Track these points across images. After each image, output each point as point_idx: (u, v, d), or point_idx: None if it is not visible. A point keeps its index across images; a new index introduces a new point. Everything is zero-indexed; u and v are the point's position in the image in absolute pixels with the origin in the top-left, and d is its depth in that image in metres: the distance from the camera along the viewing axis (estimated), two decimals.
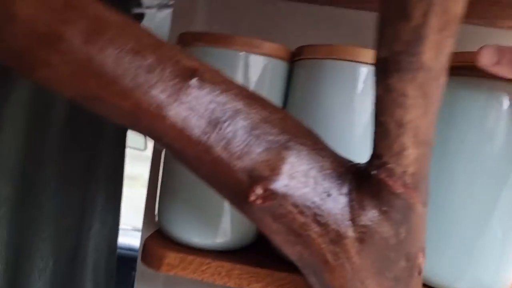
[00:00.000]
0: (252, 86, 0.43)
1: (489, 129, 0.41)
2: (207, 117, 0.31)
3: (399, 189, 0.30)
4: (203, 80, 0.31)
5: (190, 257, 0.42)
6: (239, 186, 0.31)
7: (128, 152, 0.68)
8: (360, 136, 0.42)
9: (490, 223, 0.42)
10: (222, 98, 0.31)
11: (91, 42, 0.29)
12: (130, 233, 1.49)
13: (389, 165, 0.29)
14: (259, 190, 0.31)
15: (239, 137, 0.31)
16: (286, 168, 0.31)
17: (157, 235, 0.47)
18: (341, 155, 0.34)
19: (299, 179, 0.31)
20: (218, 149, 0.31)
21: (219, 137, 0.31)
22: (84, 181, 0.59)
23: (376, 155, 0.30)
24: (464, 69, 0.43)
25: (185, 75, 0.31)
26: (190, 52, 0.43)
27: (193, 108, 0.31)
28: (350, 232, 0.31)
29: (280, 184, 0.31)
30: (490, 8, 0.49)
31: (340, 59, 0.41)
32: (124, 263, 0.92)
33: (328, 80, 0.41)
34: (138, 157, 1.66)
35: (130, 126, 0.31)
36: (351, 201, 0.31)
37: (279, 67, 0.44)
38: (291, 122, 0.33)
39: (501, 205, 0.42)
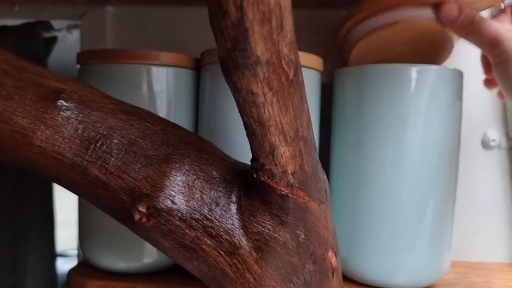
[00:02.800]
0: (158, 97, 0.41)
1: (400, 111, 0.40)
2: (78, 138, 0.29)
3: (283, 190, 0.28)
4: (70, 100, 0.30)
5: (112, 284, 0.41)
6: (122, 206, 0.30)
7: None
8: None
9: (418, 212, 0.40)
10: (93, 116, 0.30)
11: None
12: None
13: (266, 167, 0.27)
14: (142, 209, 0.29)
15: (115, 155, 0.29)
16: (168, 182, 0.29)
17: (83, 265, 0.45)
18: (234, 160, 0.32)
19: (184, 192, 0.29)
20: (94, 170, 0.29)
21: (94, 158, 0.29)
22: (13, 214, 0.57)
23: (253, 158, 0.28)
24: None
25: (50, 97, 0.29)
26: (89, 71, 0.42)
27: (61, 131, 0.29)
28: (244, 241, 0.30)
29: (164, 199, 0.29)
30: None
31: None
32: None
33: None
34: None
35: None
36: (241, 209, 0.30)
37: (183, 76, 0.42)
38: (174, 132, 0.31)
39: (427, 192, 0.40)
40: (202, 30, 0.52)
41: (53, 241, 0.62)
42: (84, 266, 0.44)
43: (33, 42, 0.56)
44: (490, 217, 0.51)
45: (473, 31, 0.38)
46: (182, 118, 0.43)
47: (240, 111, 0.26)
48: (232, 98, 0.40)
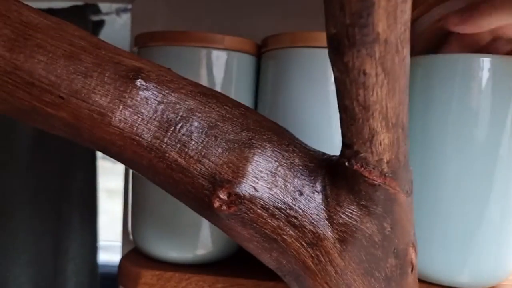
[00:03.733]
0: (218, 83, 0.40)
1: (472, 106, 0.38)
2: (157, 120, 0.28)
3: (376, 180, 0.27)
4: (149, 80, 0.28)
5: (168, 274, 0.39)
6: (201, 192, 0.28)
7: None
8: (337, 125, 0.39)
9: (485, 209, 0.39)
10: (172, 97, 0.28)
11: (16, 50, 0.26)
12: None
13: (361, 154, 0.26)
14: (223, 195, 0.28)
15: (196, 139, 0.28)
16: (250, 168, 0.28)
17: (134, 253, 0.44)
18: (312, 148, 0.31)
19: (267, 179, 0.28)
20: (173, 154, 0.28)
21: (173, 141, 0.28)
22: (57, 202, 0.56)
23: (346, 145, 0.27)
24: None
25: (128, 76, 0.28)
26: (148, 53, 0.41)
27: (140, 111, 0.28)
28: (329, 233, 0.28)
29: (246, 186, 0.28)
30: None
31: (306, 46, 0.38)
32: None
33: (296, 69, 0.38)
34: None
35: (72, 137, 0.28)
36: (326, 198, 0.28)
37: (245, 61, 0.41)
38: (253, 117, 0.30)
39: (495, 189, 0.39)
40: (257, 15, 0.51)
41: (95, 229, 0.61)
42: (135, 255, 0.43)
43: (81, 25, 0.55)
44: None
45: None
46: None
47: (342, 94, 0.24)
48: (298, 85, 0.39)
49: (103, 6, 0.58)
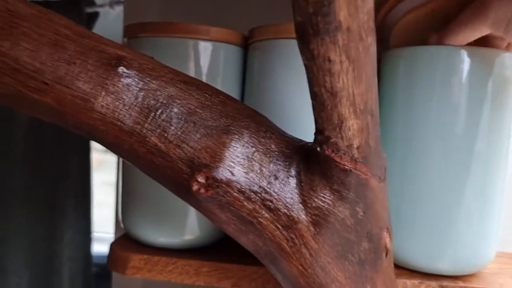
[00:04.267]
0: (205, 73, 0.41)
1: (452, 98, 0.39)
2: (138, 106, 0.29)
3: (347, 165, 0.28)
4: (131, 67, 0.29)
5: (155, 258, 0.41)
6: (180, 176, 0.29)
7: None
8: None
9: (465, 198, 0.39)
10: (153, 85, 0.29)
11: (2, 38, 0.27)
12: None
13: (332, 140, 0.27)
14: (201, 179, 0.29)
15: (175, 125, 0.29)
16: (228, 154, 0.29)
17: (124, 239, 0.45)
18: (290, 135, 0.32)
19: (243, 164, 0.29)
20: (153, 139, 0.29)
21: (153, 126, 0.29)
22: (52, 191, 0.57)
23: (318, 131, 0.28)
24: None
25: (111, 64, 0.29)
26: (137, 44, 0.42)
27: (122, 97, 0.29)
28: (303, 216, 0.29)
29: (223, 170, 0.29)
30: None
31: (291, 38, 0.39)
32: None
33: (281, 60, 0.39)
34: None
35: (57, 122, 0.30)
36: (300, 183, 0.29)
37: (232, 52, 0.42)
38: (232, 104, 0.31)
39: (475, 178, 0.39)
40: (250, 7, 0.52)
41: (89, 218, 0.62)
42: (125, 240, 0.44)
43: (75, 17, 0.56)
44: None
45: None
46: None
47: (310, 81, 0.25)
48: (283, 76, 0.40)
49: None
